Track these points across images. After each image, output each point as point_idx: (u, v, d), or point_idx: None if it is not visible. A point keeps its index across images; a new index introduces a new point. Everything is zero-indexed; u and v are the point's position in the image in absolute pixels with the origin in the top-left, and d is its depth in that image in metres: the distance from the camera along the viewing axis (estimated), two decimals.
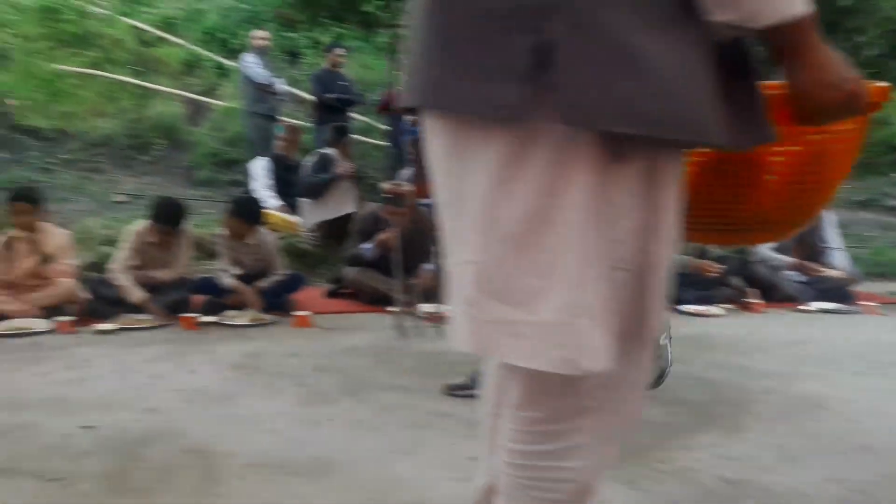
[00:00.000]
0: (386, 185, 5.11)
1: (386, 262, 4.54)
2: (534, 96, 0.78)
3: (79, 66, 8.55)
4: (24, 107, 8.10)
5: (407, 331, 3.82)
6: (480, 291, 0.86)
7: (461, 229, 0.89)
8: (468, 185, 0.87)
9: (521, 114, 0.79)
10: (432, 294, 4.46)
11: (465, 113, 0.84)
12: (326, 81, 7.19)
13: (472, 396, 2.60)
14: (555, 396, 0.91)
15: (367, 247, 4.83)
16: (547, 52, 0.77)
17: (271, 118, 7.14)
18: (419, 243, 4.68)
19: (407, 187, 4.69)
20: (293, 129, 6.78)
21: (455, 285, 0.91)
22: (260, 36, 7.26)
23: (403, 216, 4.46)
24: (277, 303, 4.34)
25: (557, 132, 0.81)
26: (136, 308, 4.00)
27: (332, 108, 7.07)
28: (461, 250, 0.90)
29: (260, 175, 6.14)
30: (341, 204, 5.80)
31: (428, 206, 5.33)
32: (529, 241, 0.83)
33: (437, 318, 3.81)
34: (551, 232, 0.83)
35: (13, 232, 4.03)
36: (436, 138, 0.92)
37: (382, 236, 4.76)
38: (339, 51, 7.51)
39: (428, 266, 4.74)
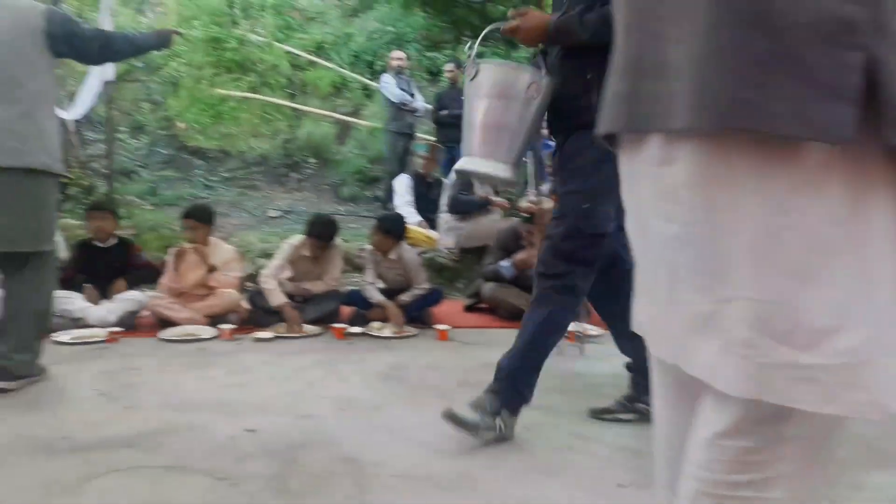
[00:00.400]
0: (524, 203, 5.11)
1: (524, 277, 4.53)
2: (863, 117, 0.73)
3: (238, 91, 9.22)
4: (190, 129, 8.86)
5: None
6: (758, 332, 0.81)
7: (722, 264, 0.84)
8: (733, 214, 0.82)
9: (848, 135, 0.74)
10: None
11: (783, 134, 0.77)
12: (446, 99, 7.28)
13: (618, 421, 2.55)
14: (768, 424, 0.85)
15: (505, 265, 4.80)
16: (872, 70, 0.73)
17: (409, 136, 7.34)
18: None
19: (546, 203, 4.66)
20: (433, 148, 6.96)
21: (718, 323, 0.86)
22: (396, 56, 7.52)
23: (542, 234, 4.43)
24: (417, 316, 4.44)
25: (860, 157, 0.77)
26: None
27: (449, 124, 7.11)
28: (724, 287, 0.84)
29: (402, 191, 6.34)
30: (484, 233, 5.79)
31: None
32: (820, 275, 0.78)
33: (577, 338, 3.75)
34: (846, 264, 0.78)
35: (184, 245, 4.40)
36: (673, 165, 0.87)
37: (520, 256, 4.74)
38: (449, 66, 7.64)
39: None
